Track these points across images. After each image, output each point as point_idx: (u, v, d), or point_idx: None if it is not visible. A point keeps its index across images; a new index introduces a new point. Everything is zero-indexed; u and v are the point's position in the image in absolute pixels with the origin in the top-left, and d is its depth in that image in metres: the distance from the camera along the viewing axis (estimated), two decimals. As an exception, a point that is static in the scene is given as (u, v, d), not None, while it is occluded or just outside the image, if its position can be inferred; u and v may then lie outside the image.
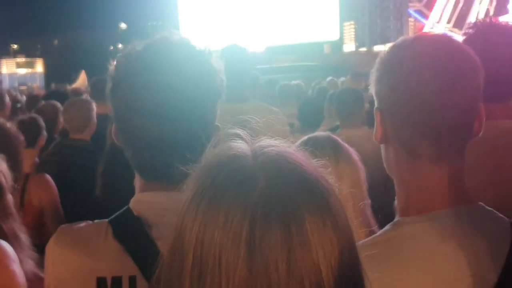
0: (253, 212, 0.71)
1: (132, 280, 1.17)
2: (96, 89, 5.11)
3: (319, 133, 1.93)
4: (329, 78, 10.21)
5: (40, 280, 1.73)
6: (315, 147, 1.70)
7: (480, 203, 1.21)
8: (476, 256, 1.12)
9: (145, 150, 1.23)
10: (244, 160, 0.77)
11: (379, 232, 1.24)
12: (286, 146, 0.82)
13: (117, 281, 1.17)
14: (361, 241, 1.21)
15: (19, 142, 2.87)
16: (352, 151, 1.86)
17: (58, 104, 4.96)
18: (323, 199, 0.75)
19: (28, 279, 1.73)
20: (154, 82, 1.20)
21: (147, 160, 1.24)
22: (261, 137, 0.83)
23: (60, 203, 3.18)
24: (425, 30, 21.71)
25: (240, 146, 0.81)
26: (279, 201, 0.72)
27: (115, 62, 1.27)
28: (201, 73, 1.24)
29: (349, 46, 24.86)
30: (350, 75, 10.18)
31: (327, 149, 1.79)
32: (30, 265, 1.73)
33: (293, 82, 8.11)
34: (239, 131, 0.86)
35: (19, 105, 6.73)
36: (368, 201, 1.85)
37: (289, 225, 0.71)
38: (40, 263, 2.79)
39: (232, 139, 0.83)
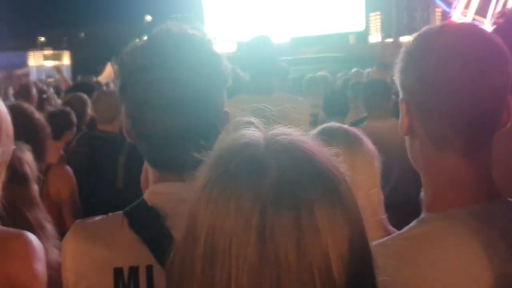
0: (264, 200, 0.72)
1: (149, 269, 1.19)
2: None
3: (333, 123, 1.91)
4: (354, 70, 10.14)
5: (59, 271, 1.77)
6: (328, 136, 1.70)
7: (509, 198, 1.19)
8: (504, 255, 1.10)
9: (158, 143, 1.25)
10: (256, 148, 0.78)
11: (405, 228, 1.22)
12: (299, 134, 0.82)
13: (134, 271, 1.19)
14: (386, 238, 1.21)
15: (46, 134, 2.89)
16: (368, 142, 1.84)
17: (86, 96, 5.02)
18: (333, 187, 0.76)
19: (53, 268, 1.75)
20: (161, 76, 1.22)
21: (160, 153, 1.26)
22: (275, 125, 0.84)
23: (78, 196, 3.21)
24: (452, 20, 21.40)
25: (253, 133, 0.82)
26: (290, 189, 0.73)
27: (119, 62, 1.29)
28: (205, 61, 1.26)
29: (375, 37, 24.60)
30: (376, 66, 10.10)
31: (340, 139, 1.77)
32: (55, 254, 1.75)
33: (319, 73, 8.10)
34: (252, 119, 0.86)
35: (45, 96, 6.82)
36: (380, 194, 1.82)
37: (299, 212, 0.72)
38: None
39: (245, 127, 0.84)
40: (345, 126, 1.91)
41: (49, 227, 1.78)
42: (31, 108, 2.99)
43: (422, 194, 1.26)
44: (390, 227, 1.82)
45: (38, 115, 2.93)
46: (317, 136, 0.86)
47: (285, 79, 6.49)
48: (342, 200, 0.76)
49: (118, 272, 1.19)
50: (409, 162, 1.31)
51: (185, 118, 1.22)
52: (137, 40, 1.34)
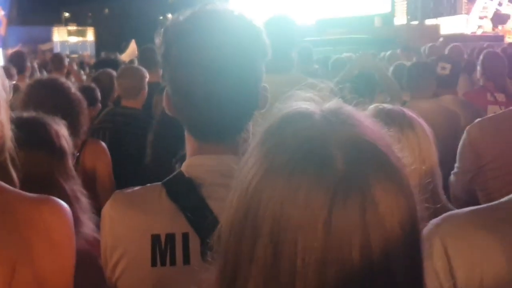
0: (333, 194, 0.72)
1: (185, 236, 1.23)
2: (145, 57, 5.18)
3: (388, 105, 1.89)
4: (389, 52, 10.00)
5: (99, 242, 1.78)
6: (387, 118, 1.69)
7: None
8: None
9: (200, 106, 1.26)
10: (322, 139, 0.76)
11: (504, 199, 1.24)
12: (362, 116, 0.81)
13: (170, 237, 1.23)
14: (484, 205, 1.26)
15: (82, 109, 2.89)
16: (424, 125, 1.82)
17: (114, 73, 5.04)
18: (396, 179, 0.76)
19: (89, 242, 1.77)
20: (206, 39, 1.24)
21: (201, 117, 1.28)
22: (333, 101, 0.83)
23: (112, 171, 3.22)
24: (478, 4, 21.07)
25: (310, 109, 0.80)
26: (357, 184, 0.73)
27: (163, 29, 1.32)
28: (248, 31, 1.29)
29: (400, 19, 24.33)
30: (401, 48, 10.00)
31: (399, 120, 1.76)
32: (91, 227, 1.78)
33: (344, 54, 8.04)
34: (309, 94, 0.85)
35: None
36: (439, 176, 1.82)
37: (364, 208, 0.72)
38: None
39: (302, 102, 0.83)
40: (399, 107, 1.91)
41: (85, 200, 1.80)
42: (67, 83, 2.98)
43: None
44: (447, 203, 1.85)
45: (75, 90, 2.92)
46: (376, 116, 0.84)
47: (309, 60, 6.46)
48: (404, 192, 0.76)
49: (155, 238, 1.23)
50: (451, 142, 1.30)
51: (227, 82, 1.24)
52: (161, 17, 1.35)
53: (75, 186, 1.79)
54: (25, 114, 1.83)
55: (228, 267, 0.79)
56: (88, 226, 1.77)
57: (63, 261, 1.22)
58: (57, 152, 1.73)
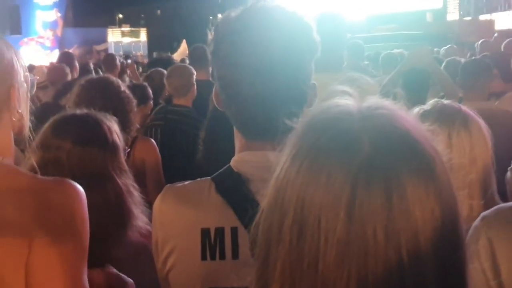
0: (355, 176, 0.72)
1: (234, 231, 1.24)
2: (196, 55, 5.26)
3: (447, 101, 1.88)
4: (447, 46, 9.78)
5: (148, 237, 1.83)
6: (442, 114, 1.69)
7: None
8: None
9: (247, 105, 1.28)
10: (350, 122, 0.77)
11: None
12: (396, 108, 0.80)
13: (220, 231, 1.25)
14: None
15: (132, 107, 2.97)
16: (482, 125, 1.80)
17: (165, 71, 5.14)
18: (428, 168, 0.74)
19: (142, 234, 1.83)
20: (255, 37, 1.25)
21: (248, 115, 1.29)
22: (370, 97, 0.82)
23: (162, 169, 3.28)
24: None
25: (348, 105, 0.80)
26: (382, 168, 0.72)
27: (214, 27, 1.34)
28: (298, 28, 1.29)
29: (452, 15, 23.78)
30: (454, 44, 9.80)
31: (450, 117, 1.75)
32: (144, 220, 1.83)
33: (395, 50, 7.93)
34: (347, 88, 0.85)
35: (129, 61, 7.11)
36: (493, 178, 1.79)
37: (390, 193, 0.71)
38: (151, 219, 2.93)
39: (340, 96, 0.83)
40: (457, 103, 1.89)
41: (137, 194, 1.85)
42: (118, 81, 3.06)
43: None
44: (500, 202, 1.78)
45: (125, 88, 3.00)
46: (430, 112, 0.85)
47: (360, 57, 6.41)
48: (436, 182, 0.74)
49: (205, 232, 1.25)
50: (506, 149, 1.28)
51: (275, 81, 1.24)
52: (211, 17, 1.37)
53: (128, 180, 1.84)
54: (78, 112, 1.90)
55: (261, 253, 0.81)
56: (141, 219, 1.82)
57: (77, 242, 1.25)
58: (110, 147, 1.79)
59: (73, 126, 1.78)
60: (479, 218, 1.26)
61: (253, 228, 0.84)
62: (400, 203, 0.71)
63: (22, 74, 1.30)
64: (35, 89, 1.40)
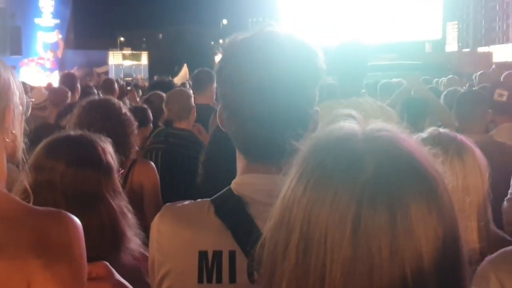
0: (361, 195, 0.73)
1: (232, 254, 1.22)
2: (198, 79, 5.29)
3: (440, 129, 1.89)
4: (449, 76, 9.82)
5: (146, 258, 1.82)
6: (437, 140, 1.70)
7: None
8: None
9: (247, 125, 1.27)
10: (355, 142, 0.79)
11: None
12: (399, 131, 0.82)
13: (217, 254, 1.23)
14: None
15: (132, 129, 2.96)
16: (478, 152, 1.80)
17: (164, 95, 5.17)
18: (430, 188, 0.76)
19: (135, 258, 1.81)
20: (258, 58, 1.25)
21: (249, 136, 1.28)
22: (374, 120, 0.84)
23: (160, 192, 3.26)
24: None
25: (352, 127, 0.82)
26: (386, 187, 0.74)
27: (222, 48, 1.34)
28: (303, 54, 1.28)
29: (451, 46, 24.03)
30: (452, 75, 9.87)
31: (449, 143, 1.76)
32: (137, 243, 1.81)
33: (394, 80, 7.99)
34: (352, 111, 0.87)
35: (129, 88, 7.12)
36: (488, 208, 1.80)
37: (394, 211, 0.73)
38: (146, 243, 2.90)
39: (345, 119, 0.85)
40: (454, 132, 1.90)
41: (131, 216, 1.83)
42: (119, 103, 3.07)
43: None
44: (497, 231, 1.81)
45: (126, 110, 3.00)
46: (427, 138, 0.86)
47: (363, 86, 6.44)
48: (438, 202, 0.76)
49: (202, 254, 1.23)
50: (499, 185, 1.29)
51: (274, 103, 1.24)
52: (212, 43, 1.38)
53: (122, 202, 1.82)
54: (73, 133, 1.89)
55: (267, 271, 0.82)
56: (134, 242, 1.80)
57: (76, 275, 1.22)
58: (104, 168, 1.77)
59: (67, 147, 1.77)
60: (485, 262, 1.26)
61: (258, 249, 0.86)
62: (404, 221, 0.73)
63: (18, 95, 1.29)
64: (30, 111, 1.40)
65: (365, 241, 0.72)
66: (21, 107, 1.31)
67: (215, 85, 5.41)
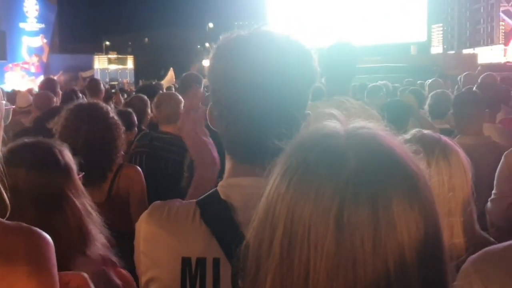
0: (343, 190, 0.74)
1: (216, 262, 1.20)
2: (185, 82, 5.27)
3: (424, 130, 1.90)
4: (432, 79, 9.87)
5: (106, 260, 1.83)
6: (421, 140, 1.71)
7: None
8: None
9: (236, 122, 1.25)
10: (337, 139, 0.80)
11: None
12: (380, 129, 0.83)
13: (201, 262, 1.21)
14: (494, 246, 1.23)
15: (119, 133, 2.98)
16: (461, 152, 1.81)
17: (146, 97, 5.14)
18: (412, 183, 0.78)
19: (101, 256, 1.81)
20: (252, 56, 1.23)
21: (237, 133, 1.26)
22: (356, 119, 0.85)
23: (146, 197, 3.24)
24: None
25: (334, 125, 0.83)
26: (368, 182, 0.75)
27: (216, 45, 1.32)
28: (298, 54, 1.27)
29: (437, 49, 24.22)
30: (437, 77, 9.94)
31: (433, 143, 1.77)
32: (101, 241, 1.82)
33: (380, 82, 8.03)
34: (334, 111, 0.88)
35: (113, 91, 7.05)
36: (473, 207, 1.81)
37: (376, 205, 0.74)
38: (119, 244, 2.89)
39: (327, 119, 0.85)
40: (438, 134, 1.91)
41: (95, 214, 1.83)
42: (107, 107, 3.07)
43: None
44: (481, 232, 1.82)
45: (113, 114, 3.00)
46: (410, 139, 0.87)
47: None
48: (420, 196, 0.77)
49: (185, 261, 1.21)
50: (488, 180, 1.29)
51: (266, 101, 1.22)
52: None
53: (86, 201, 1.83)
54: (27, 140, 1.89)
55: (252, 269, 0.83)
56: (99, 240, 1.81)
57: (53, 284, 1.19)
58: (63, 169, 1.79)
59: (25, 153, 1.79)
60: (468, 263, 1.25)
61: (243, 249, 0.86)
62: (386, 215, 0.74)
63: None
64: (10, 118, 1.38)
65: (348, 236, 0.73)
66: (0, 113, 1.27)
67: (202, 88, 5.43)
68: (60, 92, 6.49)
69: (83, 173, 1.93)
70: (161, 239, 1.26)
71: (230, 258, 1.17)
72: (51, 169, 1.76)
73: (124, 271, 1.91)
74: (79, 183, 1.84)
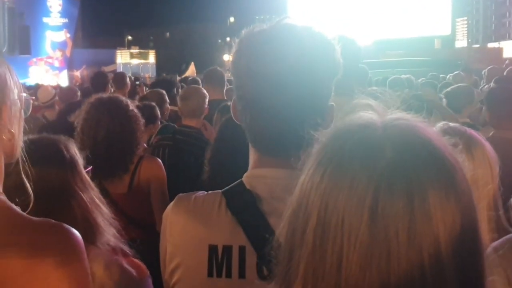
0: (378, 181, 0.73)
1: (242, 250, 1.22)
2: (208, 76, 5.30)
3: (453, 124, 1.89)
4: (456, 72, 9.77)
5: (117, 250, 1.83)
6: (449, 132, 1.68)
7: None
8: None
9: (262, 116, 1.26)
10: (373, 130, 0.78)
11: None
12: (418, 120, 0.81)
13: (227, 249, 1.23)
14: None
15: (139, 126, 3.04)
16: (489, 146, 1.80)
17: (163, 91, 5.17)
18: (449, 175, 0.76)
19: (111, 248, 1.81)
20: (277, 50, 1.23)
21: (264, 127, 1.27)
22: (393, 110, 0.84)
23: (167, 189, 3.26)
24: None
25: (371, 116, 0.82)
26: (404, 173, 0.74)
27: (238, 39, 1.32)
28: (322, 46, 1.27)
29: (461, 42, 23.94)
30: (461, 70, 9.84)
31: (460, 135, 1.75)
32: (111, 233, 1.82)
33: (403, 76, 7.95)
34: (371, 101, 0.87)
35: (138, 83, 7.12)
36: (499, 202, 1.78)
37: (412, 197, 0.72)
38: (140, 234, 2.88)
39: (363, 110, 0.84)
40: (464, 127, 1.90)
41: (104, 207, 1.84)
42: (127, 100, 3.14)
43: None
44: (509, 228, 1.78)
45: (133, 107, 3.07)
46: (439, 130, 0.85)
47: (365, 82, 6.40)
48: (456, 188, 0.75)
49: (212, 249, 1.23)
50: None
51: (291, 95, 1.22)
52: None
53: (93, 193, 1.83)
54: (31, 136, 1.90)
55: (285, 257, 0.82)
56: (108, 232, 1.81)
57: (86, 278, 1.19)
58: (68, 163, 1.79)
59: (29, 149, 1.80)
60: (490, 249, 1.25)
61: (274, 241, 0.86)
62: (421, 206, 0.72)
63: (16, 93, 1.25)
64: (30, 110, 1.39)
65: (383, 226, 0.72)
66: (19, 105, 1.27)
67: (225, 82, 5.46)
68: (129, 84, 6.59)
69: (91, 167, 1.94)
70: (188, 227, 1.27)
71: (255, 246, 1.19)
72: (55, 164, 1.76)
73: (136, 260, 1.93)
74: (86, 177, 1.84)
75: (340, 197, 0.74)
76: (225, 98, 5.08)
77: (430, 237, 0.72)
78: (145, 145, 3.97)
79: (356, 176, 0.74)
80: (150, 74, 28.65)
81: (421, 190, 0.73)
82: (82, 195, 1.76)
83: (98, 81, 6.38)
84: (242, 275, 1.21)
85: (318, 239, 0.76)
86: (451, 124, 1.87)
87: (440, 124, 1.84)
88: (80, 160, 1.83)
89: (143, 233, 3.05)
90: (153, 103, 4.60)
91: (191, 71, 12.03)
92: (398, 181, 0.73)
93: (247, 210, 1.24)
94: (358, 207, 0.73)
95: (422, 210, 0.72)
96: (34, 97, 6.08)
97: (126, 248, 1.88)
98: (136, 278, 1.85)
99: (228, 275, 1.22)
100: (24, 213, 1.21)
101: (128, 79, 7.07)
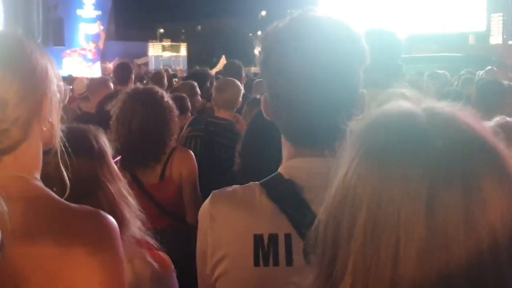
0: (434, 171, 0.72)
1: (288, 237, 1.22)
2: (230, 70, 5.32)
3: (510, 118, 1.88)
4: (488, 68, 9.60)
5: (142, 243, 1.84)
6: (505, 129, 1.66)
7: None
8: None
9: (300, 113, 1.26)
10: (418, 118, 0.77)
11: None
12: (456, 108, 0.80)
13: (273, 238, 1.23)
14: None
15: (172, 117, 3.12)
16: None
17: (195, 83, 5.20)
18: (501, 162, 0.75)
19: (136, 240, 1.81)
20: (305, 46, 1.24)
21: (301, 123, 1.27)
22: (428, 99, 0.82)
23: (197, 179, 3.27)
24: None
25: (410, 106, 0.80)
26: (460, 162, 0.72)
27: (263, 36, 1.33)
28: (347, 36, 1.27)
29: (496, 39, 23.47)
30: (497, 67, 9.68)
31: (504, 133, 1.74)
32: (137, 225, 1.83)
33: (439, 71, 7.86)
34: (405, 90, 0.85)
35: (175, 80, 7.25)
36: None
37: (469, 186, 0.71)
38: (171, 224, 2.90)
39: (399, 98, 0.83)
40: None
41: (131, 198, 1.84)
42: (162, 91, 3.22)
43: None
44: None
45: (168, 99, 3.16)
46: (494, 126, 0.83)
47: (398, 77, 6.34)
48: (508, 174, 0.74)
49: (258, 238, 1.23)
50: None
51: (326, 89, 1.23)
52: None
53: (121, 185, 1.83)
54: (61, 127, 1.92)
55: (328, 253, 0.80)
56: (135, 221, 1.82)
57: (115, 276, 1.19)
58: (97, 153, 1.79)
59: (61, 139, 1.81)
60: None
61: (313, 232, 0.84)
62: (478, 195, 0.71)
63: (55, 83, 1.27)
64: (67, 99, 1.41)
65: (441, 218, 0.71)
66: (58, 95, 1.29)
67: (242, 75, 5.49)
68: (166, 85, 6.73)
69: (119, 157, 1.94)
70: (231, 219, 1.27)
71: (301, 234, 1.19)
72: (84, 154, 1.75)
73: (161, 253, 1.94)
74: (115, 167, 1.85)
75: (394, 189, 0.72)
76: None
77: (487, 227, 0.71)
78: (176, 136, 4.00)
79: (409, 168, 0.72)
80: (181, 66, 28.78)
81: (477, 179, 0.71)
82: (110, 186, 1.77)
83: (121, 73, 6.39)
84: (289, 262, 1.22)
85: (369, 233, 0.74)
86: (509, 119, 1.89)
87: (498, 118, 1.88)
88: (109, 150, 1.84)
89: (174, 223, 3.07)
90: (184, 95, 4.62)
91: (221, 64, 12.03)
92: (454, 171, 0.71)
93: (289, 199, 1.23)
94: (413, 200, 0.72)
95: (479, 200, 0.71)
96: (71, 87, 6.14)
97: (151, 241, 1.89)
98: (160, 272, 1.85)
99: (276, 263, 1.22)
100: (62, 199, 1.22)
101: (165, 80, 7.25)
